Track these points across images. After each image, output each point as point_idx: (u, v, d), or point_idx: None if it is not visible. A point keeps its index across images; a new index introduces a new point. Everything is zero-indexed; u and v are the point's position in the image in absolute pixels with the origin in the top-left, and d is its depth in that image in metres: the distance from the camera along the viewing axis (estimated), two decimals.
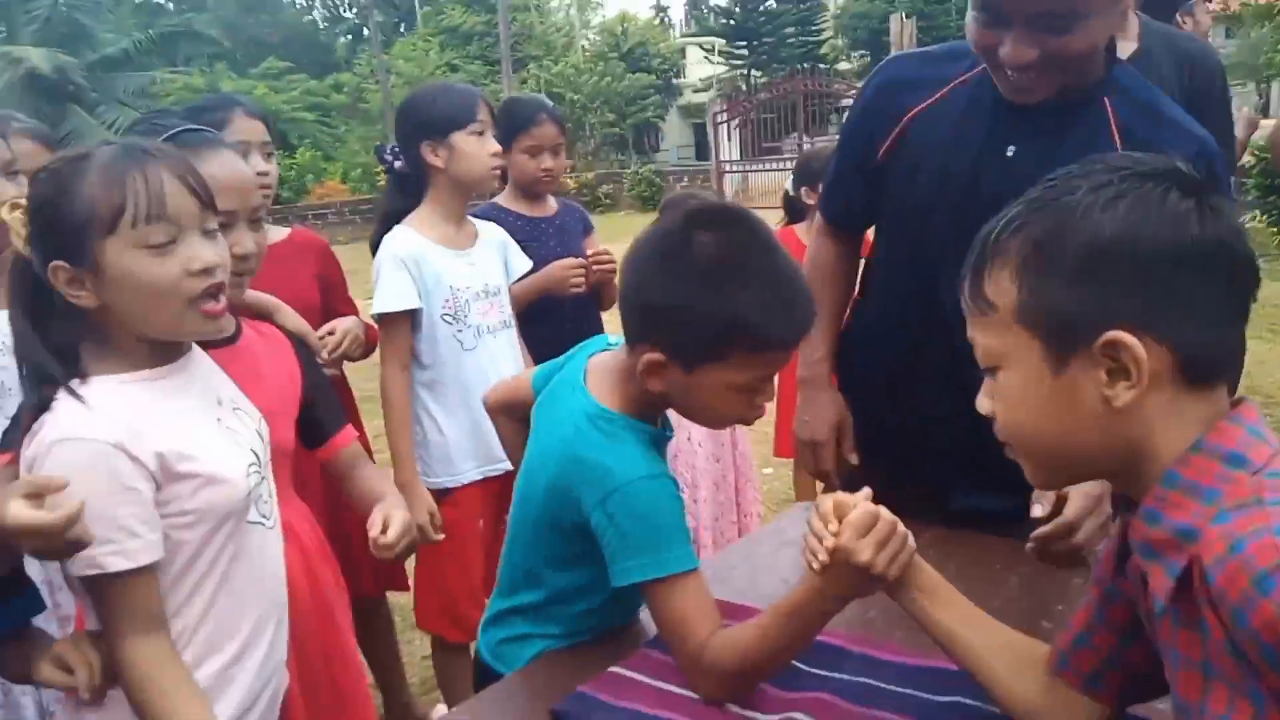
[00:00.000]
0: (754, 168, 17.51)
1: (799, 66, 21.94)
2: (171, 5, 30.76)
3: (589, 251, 2.60)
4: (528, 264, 2.27)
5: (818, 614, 1.03)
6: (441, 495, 2.06)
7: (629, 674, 1.16)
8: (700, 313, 1.06)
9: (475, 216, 2.24)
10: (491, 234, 2.20)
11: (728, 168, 17.27)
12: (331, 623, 1.49)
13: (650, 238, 1.14)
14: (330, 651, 1.48)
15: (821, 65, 27.49)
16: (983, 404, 0.86)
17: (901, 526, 0.99)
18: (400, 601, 2.48)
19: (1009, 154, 1.35)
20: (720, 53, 33.08)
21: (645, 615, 1.31)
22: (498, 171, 2.09)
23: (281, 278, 2.00)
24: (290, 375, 1.47)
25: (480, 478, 2.11)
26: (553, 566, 1.24)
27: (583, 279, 2.37)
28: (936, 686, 1.10)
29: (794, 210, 3.32)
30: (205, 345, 1.27)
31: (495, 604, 1.33)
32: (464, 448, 2.08)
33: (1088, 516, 1.09)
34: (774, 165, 17.20)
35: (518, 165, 2.31)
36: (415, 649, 2.73)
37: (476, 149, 2.02)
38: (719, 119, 17.20)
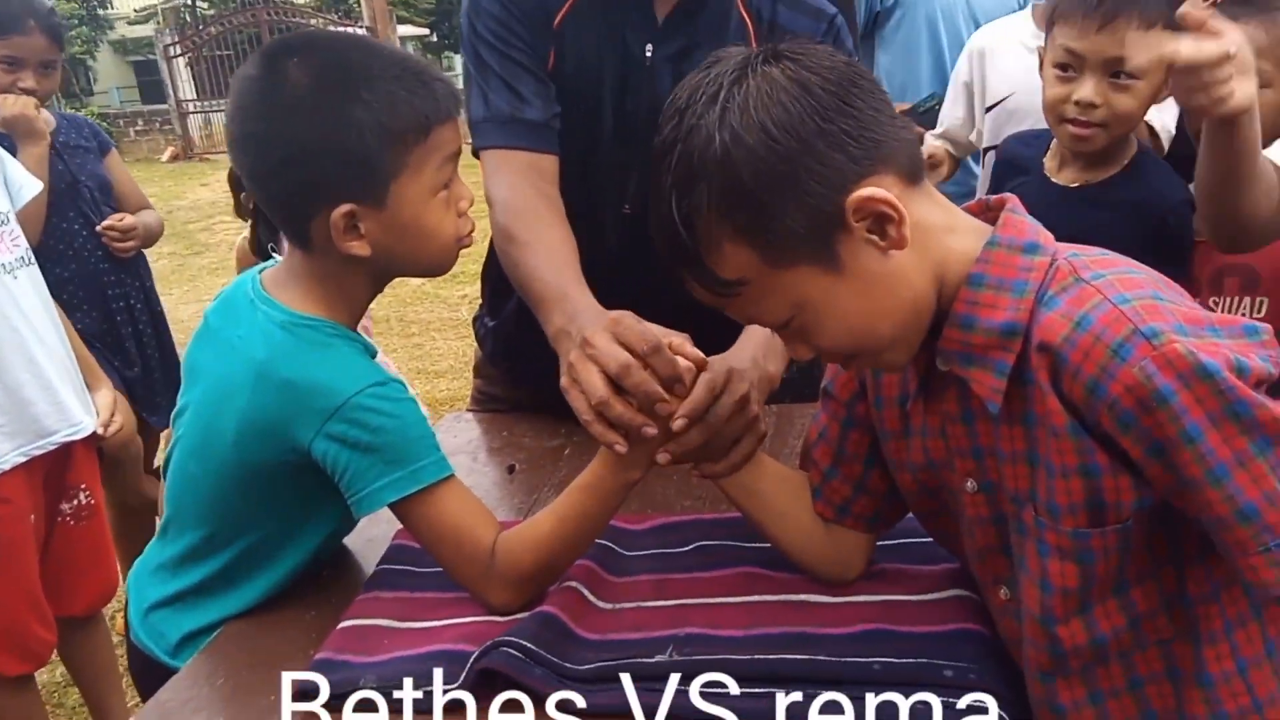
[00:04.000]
0: (219, 107, 15.97)
1: None
2: None
3: (110, 178, 2.19)
4: (38, 184, 1.80)
5: (622, 486, 0.95)
6: None
7: (370, 623, 0.97)
8: (354, 131, 0.90)
9: None
10: None
11: (191, 107, 15.57)
12: None
13: (246, 113, 0.93)
14: None
15: None
16: (801, 353, 0.82)
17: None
18: None
19: (647, 55, 1.25)
20: None
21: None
22: None
23: None
24: None
25: (24, 460, 1.65)
26: (247, 521, 1.01)
27: None
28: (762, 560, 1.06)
29: None
30: None
31: (160, 587, 1.05)
32: None
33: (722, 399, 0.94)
34: None
35: None
36: None
37: None
38: (171, 52, 15.34)
